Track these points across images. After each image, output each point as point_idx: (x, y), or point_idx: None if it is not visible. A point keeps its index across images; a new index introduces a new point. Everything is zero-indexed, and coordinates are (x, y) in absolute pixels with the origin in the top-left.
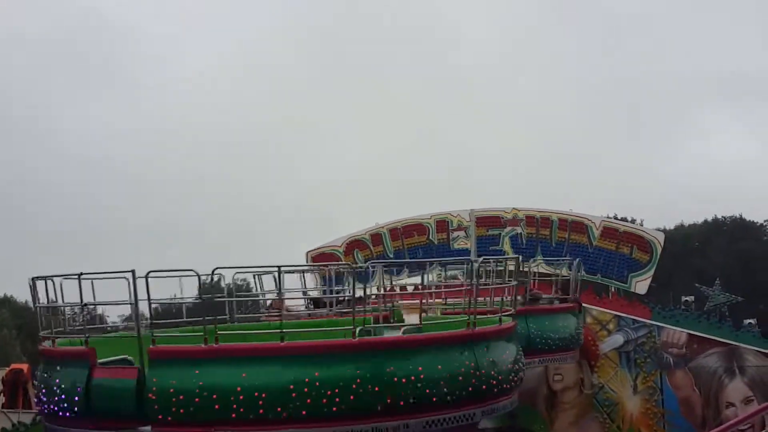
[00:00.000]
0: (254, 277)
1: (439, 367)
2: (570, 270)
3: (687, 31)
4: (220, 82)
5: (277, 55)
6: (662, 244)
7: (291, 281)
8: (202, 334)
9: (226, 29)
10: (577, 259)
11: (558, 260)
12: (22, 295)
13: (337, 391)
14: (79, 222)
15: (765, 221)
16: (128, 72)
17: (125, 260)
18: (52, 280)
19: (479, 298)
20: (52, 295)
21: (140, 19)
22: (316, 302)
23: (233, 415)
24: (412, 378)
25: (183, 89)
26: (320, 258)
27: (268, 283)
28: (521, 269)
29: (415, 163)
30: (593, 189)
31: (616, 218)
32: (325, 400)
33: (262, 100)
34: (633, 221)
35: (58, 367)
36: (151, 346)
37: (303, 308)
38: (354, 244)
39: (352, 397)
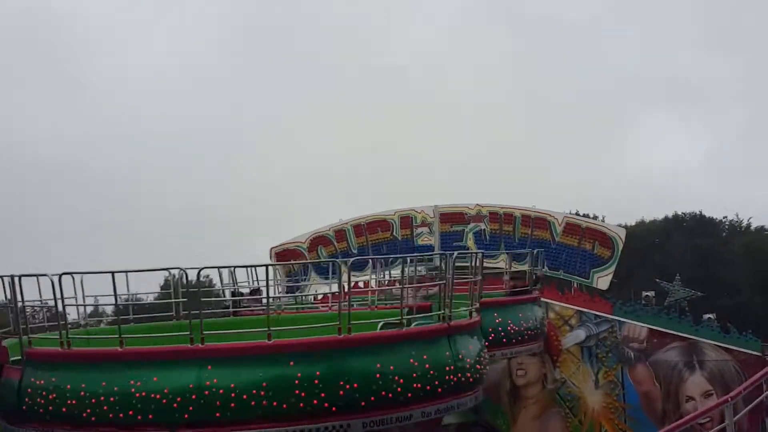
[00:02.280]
0: (220, 274)
1: (413, 362)
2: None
3: (628, 35)
4: (171, 78)
5: (226, 53)
6: (623, 240)
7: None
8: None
9: (175, 26)
10: (538, 250)
11: (521, 252)
12: None
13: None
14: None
15: (724, 218)
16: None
17: (74, 260)
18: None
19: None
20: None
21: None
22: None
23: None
24: (378, 375)
25: (130, 87)
26: (284, 254)
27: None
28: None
29: (373, 161)
30: (555, 187)
31: (578, 214)
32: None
33: (215, 97)
34: (595, 217)
35: None
36: (28, 349)
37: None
38: (318, 240)
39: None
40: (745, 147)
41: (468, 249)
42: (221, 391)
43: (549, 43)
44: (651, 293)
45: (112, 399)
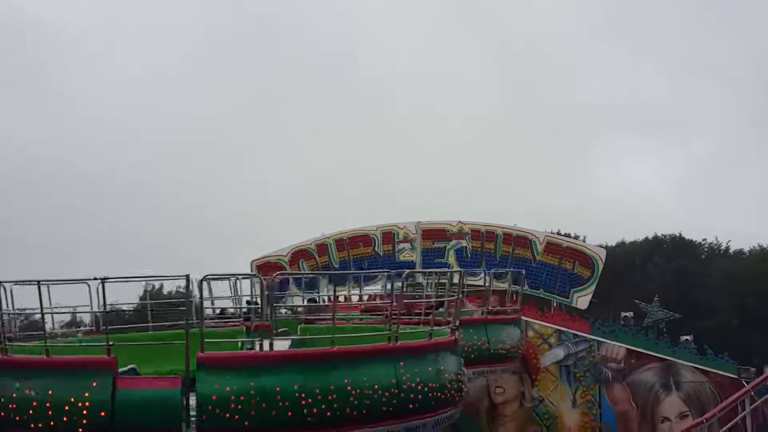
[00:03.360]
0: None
1: (393, 380)
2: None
3: (605, 60)
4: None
5: (199, 69)
6: (604, 260)
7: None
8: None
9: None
10: (518, 270)
11: (503, 271)
12: None
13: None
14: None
15: (703, 240)
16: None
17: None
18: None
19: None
20: None
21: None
22: None
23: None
24: (357, 390)
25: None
26: (265, 267)
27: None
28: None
29: (358, 178)
30: (536, 206)
31: (559, 234)
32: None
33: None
34: (576, 237)
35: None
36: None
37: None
38: (300, 254)
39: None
40: (717, 173)
41: (449, 266)
42: None
43: (527, 68)
44: (630, 314)
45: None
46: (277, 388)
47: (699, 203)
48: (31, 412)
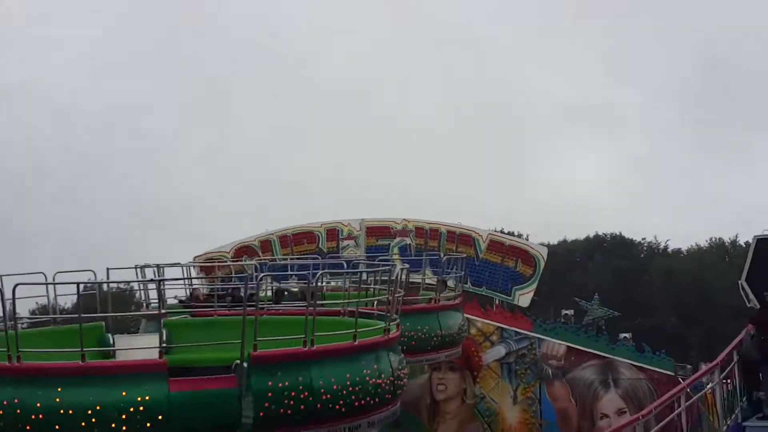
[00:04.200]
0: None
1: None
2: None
3: (542, 61)
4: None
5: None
6: (545, 258)
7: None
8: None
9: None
10: (454, 257)
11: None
12: None
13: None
14: None
15: (643, 239)
16: None
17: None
18: None
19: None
20: None
21: None
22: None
23: None
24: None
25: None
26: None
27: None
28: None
29: (295, 164)
30: (480, 205)
31: (502, 232)
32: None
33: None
34: (519, 236)
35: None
36: None
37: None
38: (243, 250)
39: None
40: (654, 173)
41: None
42: None
43: (469, 65)
44: (570, 312)
45: None
46: (321, 382)
47: (638, 203)
48: (75, 423)
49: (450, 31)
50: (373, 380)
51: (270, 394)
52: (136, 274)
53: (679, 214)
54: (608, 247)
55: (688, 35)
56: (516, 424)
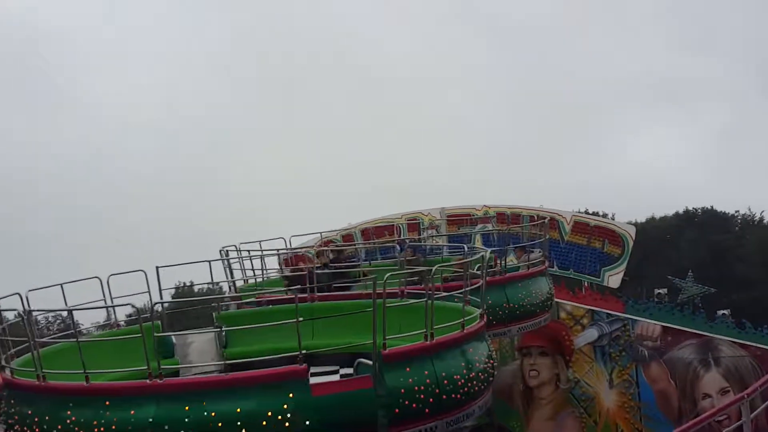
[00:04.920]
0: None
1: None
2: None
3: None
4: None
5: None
6: (634, 237)
7: None
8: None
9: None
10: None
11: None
12: None
13: None
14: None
15: (736, 212)
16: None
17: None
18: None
19: None
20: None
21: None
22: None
23: None
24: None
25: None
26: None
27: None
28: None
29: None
30: (560, 186)
31: (587, 213)
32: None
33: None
34: (604, 215)
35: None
36: None
37: None
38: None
39: None
40: (741, 143)
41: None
42: None
43: (537, 47)
44: (663, 290)
45: None
46: (443, 373)
47: (725, 175)
48: None
49: (506, 13)
50: (481, 365)
51: (403, 391)
52: (221, 255)
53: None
54: (700, 221)
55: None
56: (613, 407)
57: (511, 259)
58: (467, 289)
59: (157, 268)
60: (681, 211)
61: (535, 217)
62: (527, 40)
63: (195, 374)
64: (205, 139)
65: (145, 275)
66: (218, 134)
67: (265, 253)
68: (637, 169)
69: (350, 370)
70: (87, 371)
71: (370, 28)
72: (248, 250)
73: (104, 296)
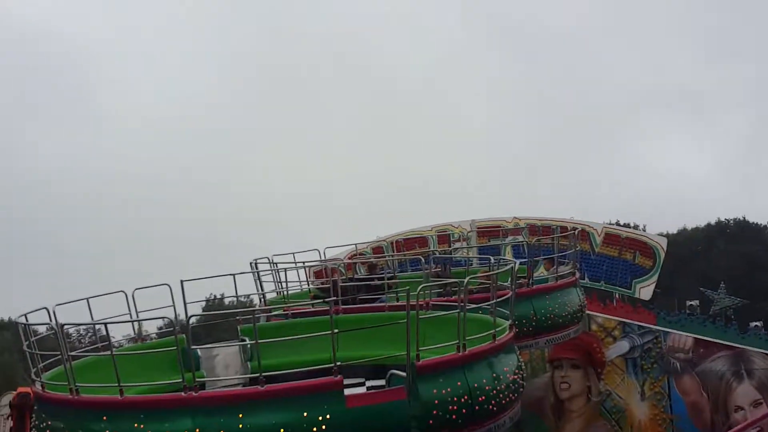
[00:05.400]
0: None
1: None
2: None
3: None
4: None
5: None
6: (665, 248)
7: None
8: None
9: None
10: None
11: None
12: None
13: None
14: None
15: None
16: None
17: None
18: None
19: None
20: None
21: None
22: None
23: None
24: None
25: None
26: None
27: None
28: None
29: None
30: (590, 197)
31: (618, 224)
32: None
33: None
34: (635, 227)
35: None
36: None
37: None
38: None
39: None
40: (763, 154)
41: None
42: None
43: (558, 56)
44: (695, 302)
45: None
46: (475, 384)
47: (754, 185)
48: None
49: (525, 18)
50: (512, 376)
51: (436, 402)
52: (251, 267)
53: None
54: (732, 232)
55: None
56: (645, 420)
57: (541, 271)
58: (495, 301)
59: (182, 282)
60: (713, 222)
61: (567, 229)
62: (551, 50)
63: (220, 387)
64: (206, 141)
65: (170, 289)
66: (218, 135)
67: (299, 265)
68: (664, 180)
69: (376, 383)
70: (121, 384)
71: (390, 39)
72: (276, 263)
73: (129, 309)
